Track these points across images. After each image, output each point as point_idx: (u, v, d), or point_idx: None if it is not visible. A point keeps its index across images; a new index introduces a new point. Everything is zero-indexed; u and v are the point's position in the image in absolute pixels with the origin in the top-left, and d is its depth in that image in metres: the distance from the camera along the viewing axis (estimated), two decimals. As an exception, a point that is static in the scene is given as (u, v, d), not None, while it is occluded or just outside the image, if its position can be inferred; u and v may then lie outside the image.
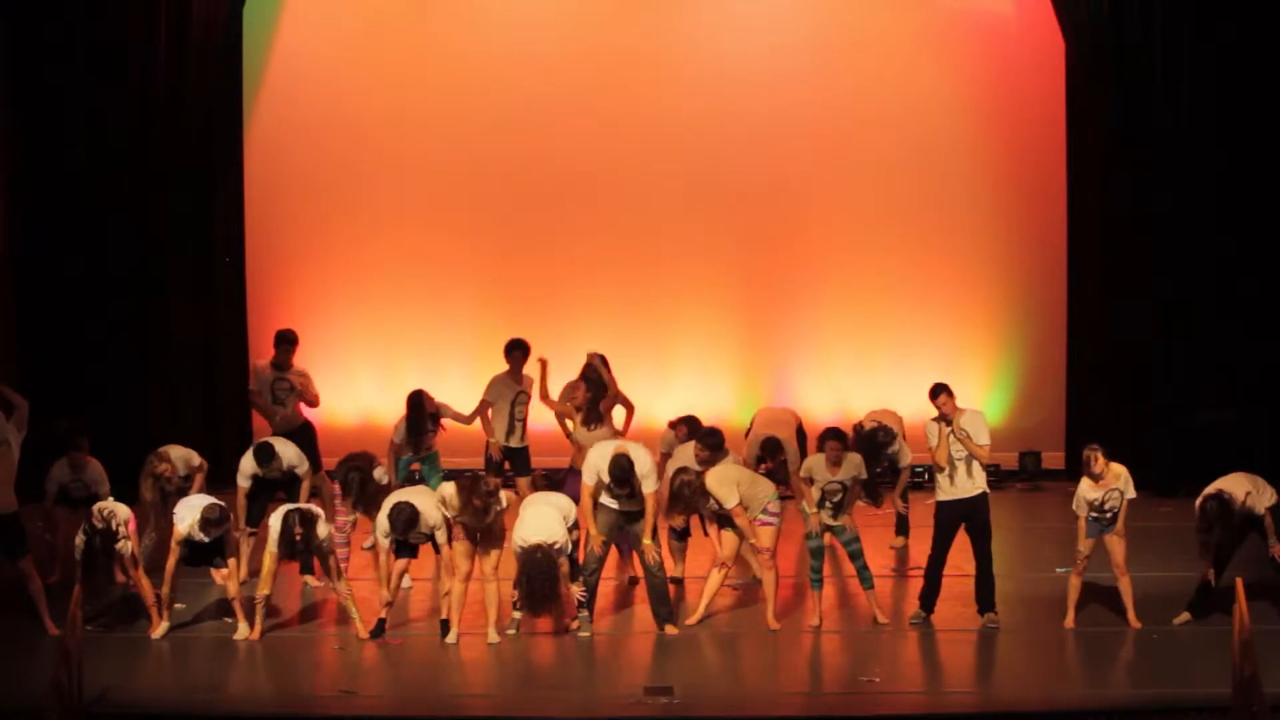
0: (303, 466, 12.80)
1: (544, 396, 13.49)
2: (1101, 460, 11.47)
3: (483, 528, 11.32)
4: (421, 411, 13.41)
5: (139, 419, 15.58)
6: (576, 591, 11.49)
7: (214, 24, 16.11)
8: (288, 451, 12.77)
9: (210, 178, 16.53)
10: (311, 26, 16.95)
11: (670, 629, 11.59)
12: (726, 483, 11.66)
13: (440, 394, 13.74)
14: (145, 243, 16.10)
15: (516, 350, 13.86)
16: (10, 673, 10.60)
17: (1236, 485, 11.55)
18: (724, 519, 11.69)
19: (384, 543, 11.55)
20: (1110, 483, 11.47)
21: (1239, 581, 9.79)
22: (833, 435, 11.86)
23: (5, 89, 15.89)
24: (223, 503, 11.68)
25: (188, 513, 11.56)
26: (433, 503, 11.62)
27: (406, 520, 11.41)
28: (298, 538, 11.35)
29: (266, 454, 12.61)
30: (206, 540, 11.49)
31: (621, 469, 11.44)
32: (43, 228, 16.06)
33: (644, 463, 11.55)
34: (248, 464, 12.66)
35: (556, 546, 11.19)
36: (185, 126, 16.12)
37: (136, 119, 16.00)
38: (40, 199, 16.06)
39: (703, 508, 11.76)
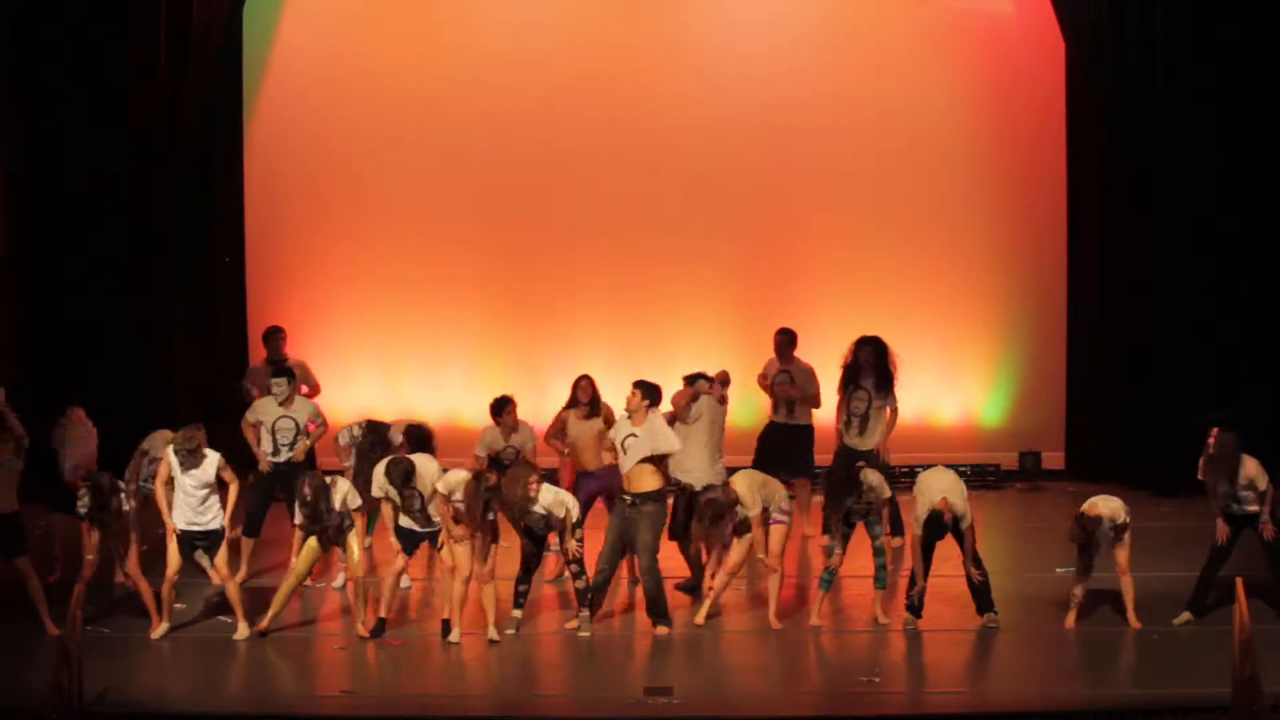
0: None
1: (545, 439, 13.24)
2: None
3: (481, 522, 11.32)
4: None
5: (139, 419, 15.54)
6: (573, 547, 11.44)
7: (214, 23, 16.10)
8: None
9: (210, 178, 16.53)
10: (312, 26, 16.95)
11: (661, 628, 11.58)
12: (753, 489, 11.72)
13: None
14: (145, 243, 16.09)
15: (497, 408, 13.28)
16: (10, 673, 10.59)
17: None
18: (741, 526, 11.67)
19: (384, 498, 11.59)
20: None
21: (1239, 581, 9.80)
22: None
23: (5, 89, 15.88)
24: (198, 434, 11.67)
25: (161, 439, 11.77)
26: (431, 462, 11.66)
27: (404, 474, 11.41)
28: (309, 498, 11.36)
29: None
30: (183, 471, 11.49)
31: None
32: (43, 228, 16.05)
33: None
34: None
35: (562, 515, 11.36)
36: (185, 127, 16.12)
37: (136, 119, 16.00)
38: (40, 199, 16.05)
39: (724, 527, 11.64)
